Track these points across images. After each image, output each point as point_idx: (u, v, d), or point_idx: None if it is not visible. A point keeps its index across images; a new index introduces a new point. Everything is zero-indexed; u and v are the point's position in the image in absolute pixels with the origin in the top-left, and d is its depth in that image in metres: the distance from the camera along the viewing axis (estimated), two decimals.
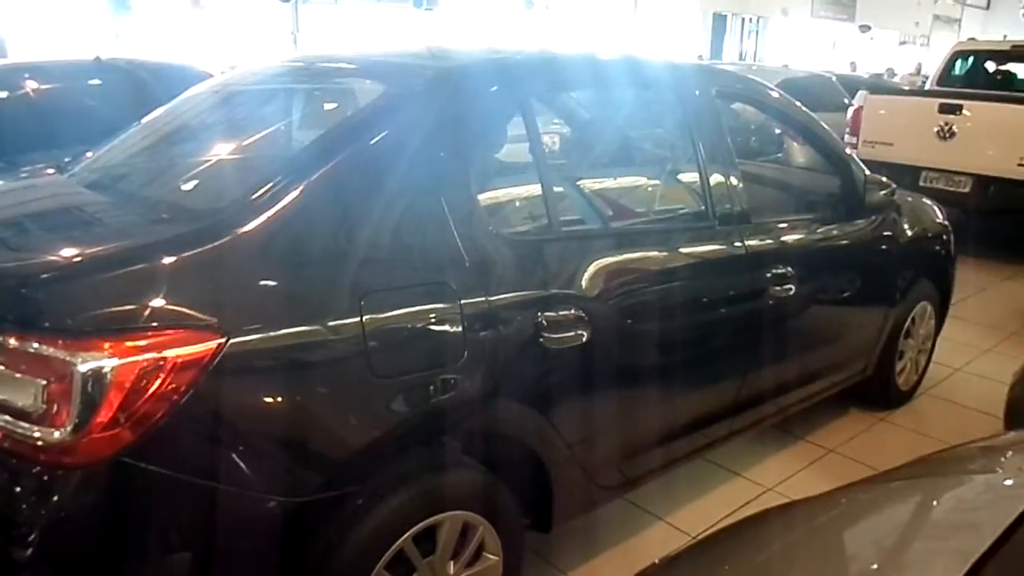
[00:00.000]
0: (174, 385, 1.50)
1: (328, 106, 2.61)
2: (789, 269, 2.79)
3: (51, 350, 1.47)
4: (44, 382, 1.48)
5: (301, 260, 1.75)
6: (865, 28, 25.19)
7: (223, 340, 1.55)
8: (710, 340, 2.61)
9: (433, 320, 1.85)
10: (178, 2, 13.34)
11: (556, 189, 2.27)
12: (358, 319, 1.73)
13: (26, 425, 1.50)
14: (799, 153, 5.30)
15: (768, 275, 2.73)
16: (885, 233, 3.40)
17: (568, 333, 2.10)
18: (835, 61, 20.66)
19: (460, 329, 1.89)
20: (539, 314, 2.05)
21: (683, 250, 2.53)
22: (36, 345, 1.49)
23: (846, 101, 8.26)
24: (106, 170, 2.44)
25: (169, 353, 1.50)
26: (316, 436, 1.71)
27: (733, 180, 2.66)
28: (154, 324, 1.53)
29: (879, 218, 3.33)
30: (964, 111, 6.46)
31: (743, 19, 24.11)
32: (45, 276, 1.62)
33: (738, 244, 2.66)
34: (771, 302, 2.76)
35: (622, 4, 20.54)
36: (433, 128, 2.02)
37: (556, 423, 2.13)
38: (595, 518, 2.59)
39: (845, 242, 3.21)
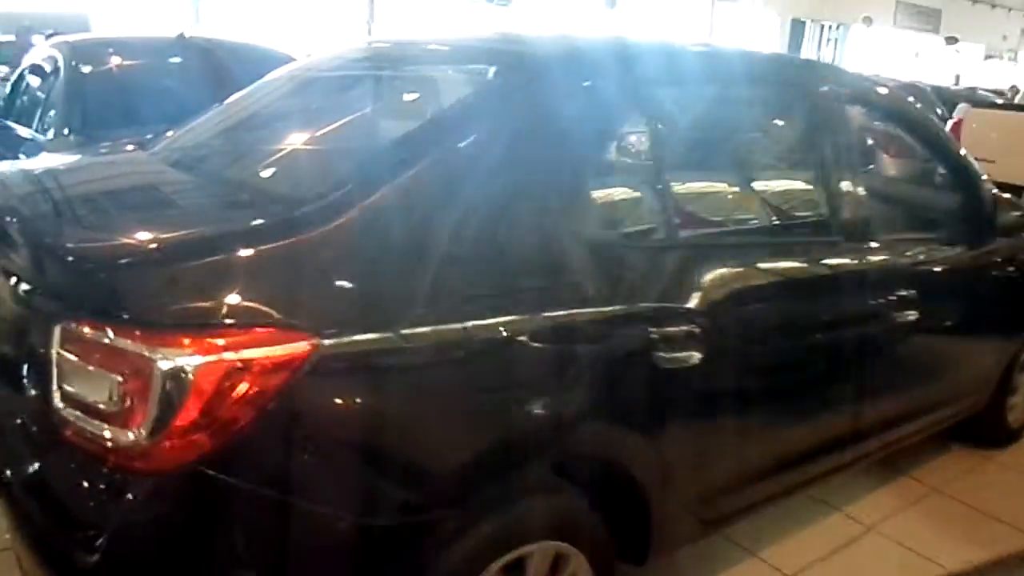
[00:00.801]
0: (260, 389, 1.34)
1: (424, 92, 2.43)
2: (913, 292, 2.53)
3: (128, 343, 1.33)
4: (119, 378, 1.34)
5: (401, 258, 1.57)
6: (952, 40, 24.24)
7: (315, 342, 1.39)
8: (828, 365, 2.37)
9: (539, 331, 1.66)
10: None
11: (672, 191, 2.06)
12: (460, 326, 1.55)
13: (97, 423, 1.37)
14: (891, 165, 4.98)
15: (892, 298, 2.47)
16: (1014, 258, 3.10)
17: (681, 352, 1.89)
18: (918, 72, 19.91)
19: (566, 342, 1.70)
20: (651, 330, 1.84)
21: (806, 266, 2.30)
22: (112, 336, 1.35)
23: (938, 111, 7.84)
24: (189, 150, 2.30)
25: (257, 353, 1.35)
26: (410, 454, 1.54)
27: (860, 191, 2.42)
28: (242, 321, 1.37)
29: (1009, 242, 3.04)
30: None
31: (822, 26, 23.46)
32: (123, 261, 1.48)
33: (864, 262, 2.41)
34: (893, 327, 2.51)
35: (699, 8, 20.17)
36: (541, 118, 1.83)
37: (661, 448, 1.92)
38: (683, 551, 2.39)
39: (973, 266, 2.93)
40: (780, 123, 2.48)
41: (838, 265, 2.36)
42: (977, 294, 2.97)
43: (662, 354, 1.85)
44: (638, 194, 2.04)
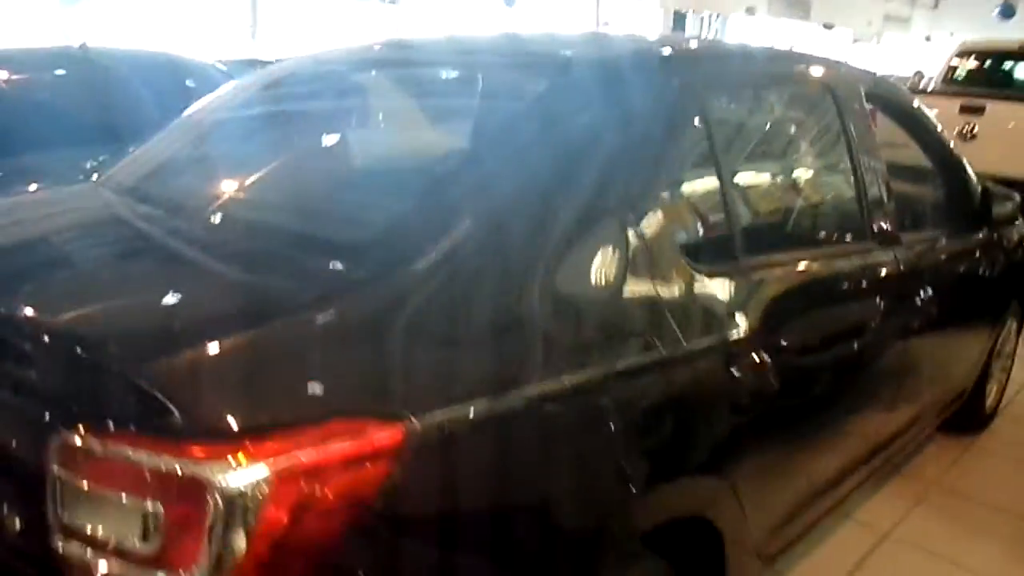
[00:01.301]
0: (346, 498, 1.05)
1: (481, 104, 2.05)
2: (932, 292, 2.43)
3: (170, 459, 1.00)
4: (158, 506, 1.01)
5: (487, 311, 1.29)
6: (829, 26, 25.31)
7: (405, 429, 1.10)
8: (876, 379, 2.23)
9: (634, 382, 1.42)
10: None
11: (738, 209, 1.84)
12: (558, 385, 1.29)
13: (127, 568, 1.04)
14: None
15: (920, 302, 2.36)
16: (1006, 248, 3.06)
17: (761, 384, 1.69)
18: None
19: (660, 391, 1.48)
20: (732, 366, 1.63)
21: (859, 284, 2.16)
22: (146, 454, 1.01)
23: None
24: (183, 188, 1.87)
25: (340, 453, 1.05)
26: (524, 544, 1.28)
27: (886, 193, 2.28)
28: (317, 417, 1.07)
29: (1003, 232, 3.00)
30: (987, 112, 6.24)
31: (702, 17, 24.00)
32: (152, 349, 1.12)
33: (899, 270, 2.29)
34: (921, 331, 2.40)
35: (585, 1, 20.26)
36: (618, 131, 1.58)
37: (738, 491, 1.72)
38: None
39: (976, 258, 2.87)
40: (826, 128, 2.29)
41: (883, 278, 2.22)
42: (973, 285, 2.92)
43: (741, 389, 1.65)
44: (705, 213, 1.81)
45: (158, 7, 12.90)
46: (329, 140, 2.03)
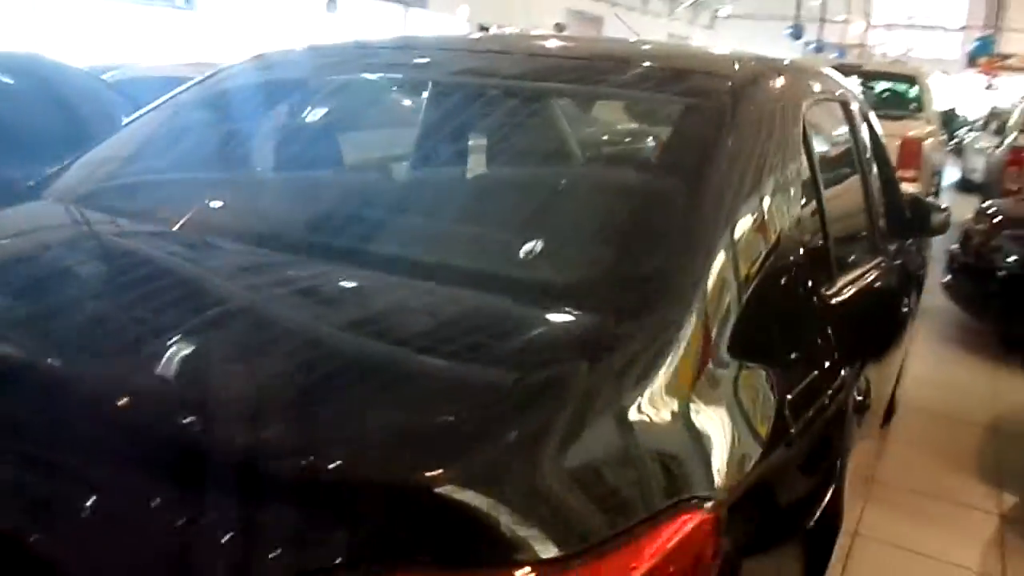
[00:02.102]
0: None
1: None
2: (894, 299, 2.55)
3: None
4: None
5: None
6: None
7: (717, 507, 0.93)
8: (879, 376, 2.29)
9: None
10: None
11: (832, 229, 1.79)
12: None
13: None
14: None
15: (895, 308, 2.47)
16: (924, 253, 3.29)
17: (864, 405, 1.66)
18: None
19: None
20: (850, 392, 1.58)
21: (884, 294, 2.19)
22: None
23: None
24: (281, 218, 1.55)
25: (692, 545, 0.86)
26: None
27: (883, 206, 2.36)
28: (664, 504, 0.87)
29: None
30: None
31: (506, 30, 24.64)
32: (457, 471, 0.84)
33: (894, 276, 2.37)
34: (900, 334, 2.51)
35: (394, 15, 20.13)
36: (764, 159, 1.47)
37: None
38: None
39: (916, 264, 3.04)
40: (845, 141, 2.30)
41: (888, 286, 2.28)
42: (912, 289, 3.10)
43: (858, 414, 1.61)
44: (815, 236, 1.73)
45: None
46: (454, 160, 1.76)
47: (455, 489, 0.82)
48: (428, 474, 0.82)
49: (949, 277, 5.49)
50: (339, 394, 1.01)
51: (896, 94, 8.46)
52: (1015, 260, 5.02)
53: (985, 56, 20.20)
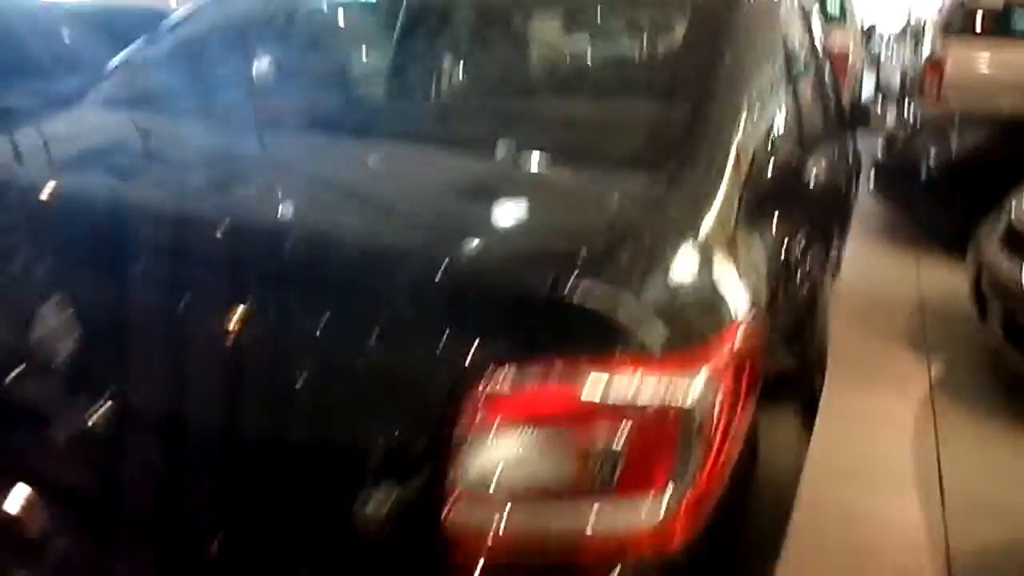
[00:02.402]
0: (746, 387, 1.12)
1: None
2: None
3: (642, 387, 0.98)
4: (613, 442, 0.98)
5: None
6: None
7: (761, 321, 1.21)
8: None
9: None
10: None
11: (804, 117, 2.09)
12: None
13: (553, 507, 1.00)
14: None
15: (853, 182, 2.87)
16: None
17: (835, 258, 2.02)
18: None
19: None
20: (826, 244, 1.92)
21: (834, 167, 2.55)
22: (614, 384, 0.97)
23: None
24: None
25: (738, 352, 1.10)
26: None
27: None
28: (723, 323, 1.12)
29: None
30: None
31: None
32: (570, 275, 1.03)
33: (846, 156, 2.74)
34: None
35: None
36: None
37: None
38: None
39: (858, 153, 3.44)
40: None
41: (840, 165, 2.70)
42: (854, 173, 3.52)
43: None
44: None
45: None
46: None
47: (599, 297, 1.02)
48: (572, 286, 1.02)
49: (876, 178, 5.90)
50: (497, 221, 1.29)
51: (822, 8, 8.79)
52: (934, 159, 5.45)
53: None
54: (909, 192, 5.62)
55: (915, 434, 3.10)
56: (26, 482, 1.16)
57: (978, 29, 8.22)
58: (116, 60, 2.05)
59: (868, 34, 15.76)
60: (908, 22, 15.94)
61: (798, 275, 1.60)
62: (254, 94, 1.94)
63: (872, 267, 5.01)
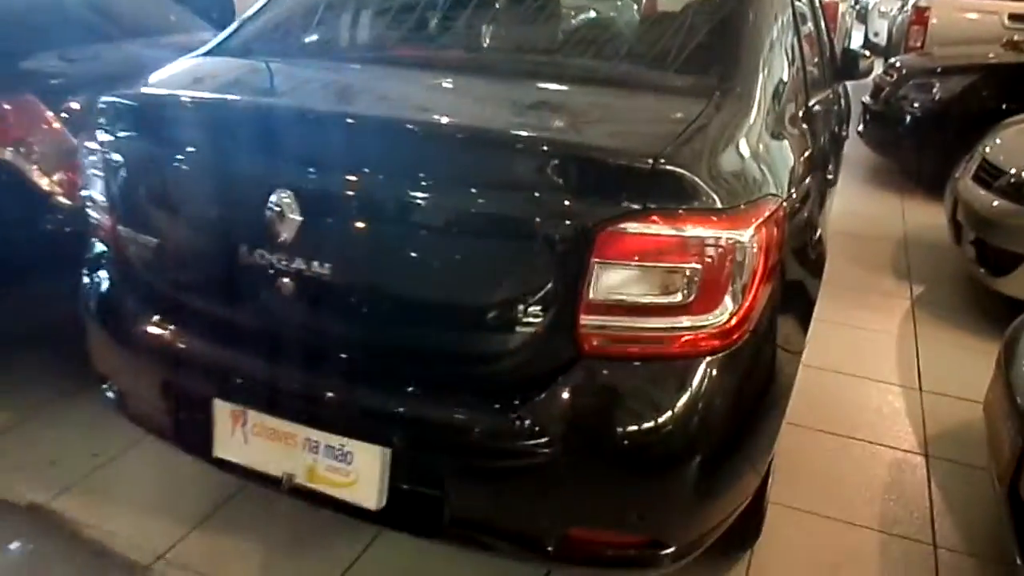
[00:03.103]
0: (777, 240, 1.61)
1: None
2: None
3: (708, 230, 1.45)
4: (695, 267, 1.46)
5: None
6: None
7: (781, 202, 1.69)
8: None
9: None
10: None
11: (808, 65, 2.62)
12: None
13: (657, 319, 1.49)
14: None
15: (845, 123, 3.37)
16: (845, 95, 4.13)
17: (832, 180, 2.54)
18: None
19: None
20: (826, 162, 2.45)
21: (830, 109, 3.16)
22: (690, 228, 1.44)
23: None
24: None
25: (771, 218, 1.58)
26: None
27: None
28: (758, 195, 1.60)
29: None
30: None
31: None
32: (672, 155, 1.49)
33: (838, 101, 3.24)
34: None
35: None
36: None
37: None
38: None
39: (848, 99, 3.91)
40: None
41: (835, 108, 3.28)
42: (845, 117, 4.00)
43: None
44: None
45: None
46: None
47: (675, 168, 1.47)
48: (666, 164, 1.47)
49: (863, 125, 6.36)
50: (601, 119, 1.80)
51: None
52: (919, 106, 5.90)
53: None
54: (895, 137, 6.08)
55: (898, 338, 3.62)
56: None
57: None
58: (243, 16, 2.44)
59: None
60: None
61: (807, 180, 2.09)
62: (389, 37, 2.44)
63: (859, 208, 5.49)
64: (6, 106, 2.58)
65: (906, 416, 2.99)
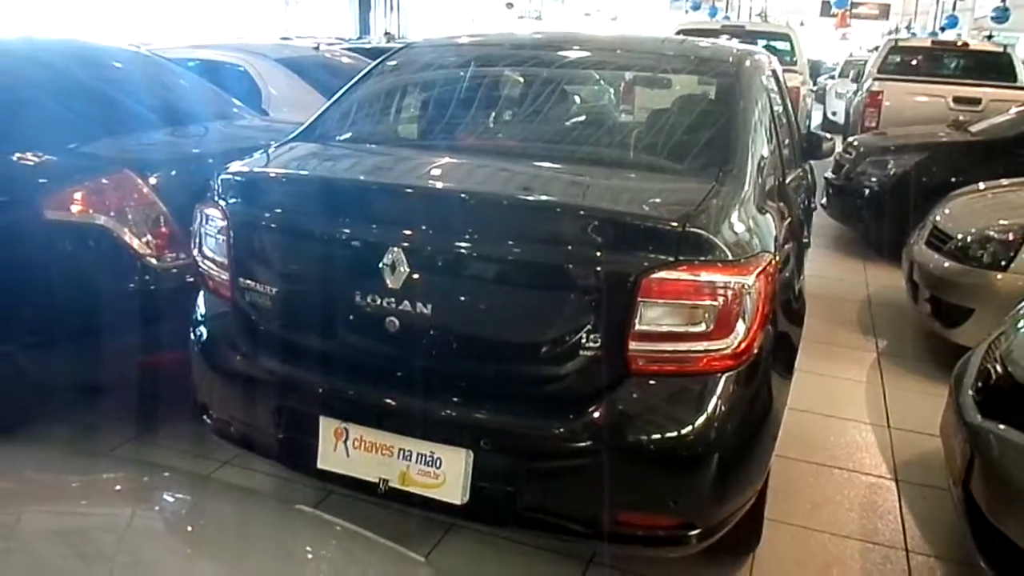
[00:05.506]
0: (770, 291, 2.05)
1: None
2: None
3: (725, 277, 1.90)
4: (714, 304, 1.89)
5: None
6: (510, 5, 27.66)
7: (771, 257, 2.13)
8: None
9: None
10: None
11: (783, 147, 3.16)
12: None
13: (682, 345, 1.93)
14: None
15: (814, 196, 3.88)
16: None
17: (806, 244, 3.01)
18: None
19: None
20: (802, 231, 2.96)
21: (802, 184, 3.79)
22: (709, 275, 1.89)
23: None
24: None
25: (767, 268, 2.03)
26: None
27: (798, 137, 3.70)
28: (759, 248, 2.06)
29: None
30: None
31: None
32: (696, 218, 1.95)
33: (807, 178, 3.84)
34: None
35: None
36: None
37: None
38: None
39: (814, 177, 4.47)
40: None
41: (805, 183, 3.97)
42: (813, 191, 4.53)
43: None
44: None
45: None
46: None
47: (698, 230, 1.92)
48: (690, 227, 1.92)
49: (827, 198, 6.97)
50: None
51: (773, 49, 9.99)
52: (876, 181, 6.51)
53: (841, 9, 22.62)
54: (855, 208, 6.68)
55: (867, 384, 4.09)
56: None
57: (909, 68, 9.54)
58: (325, 105, 2.91)
59: (814, 68, 17.20)
60: (848, 58, 17.45)
61: (790, 243, 2.56)
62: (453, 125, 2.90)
63: (825, 271, 6.01)
64: (104, 180, 2.99)
65: (877, 448, 3.43)
